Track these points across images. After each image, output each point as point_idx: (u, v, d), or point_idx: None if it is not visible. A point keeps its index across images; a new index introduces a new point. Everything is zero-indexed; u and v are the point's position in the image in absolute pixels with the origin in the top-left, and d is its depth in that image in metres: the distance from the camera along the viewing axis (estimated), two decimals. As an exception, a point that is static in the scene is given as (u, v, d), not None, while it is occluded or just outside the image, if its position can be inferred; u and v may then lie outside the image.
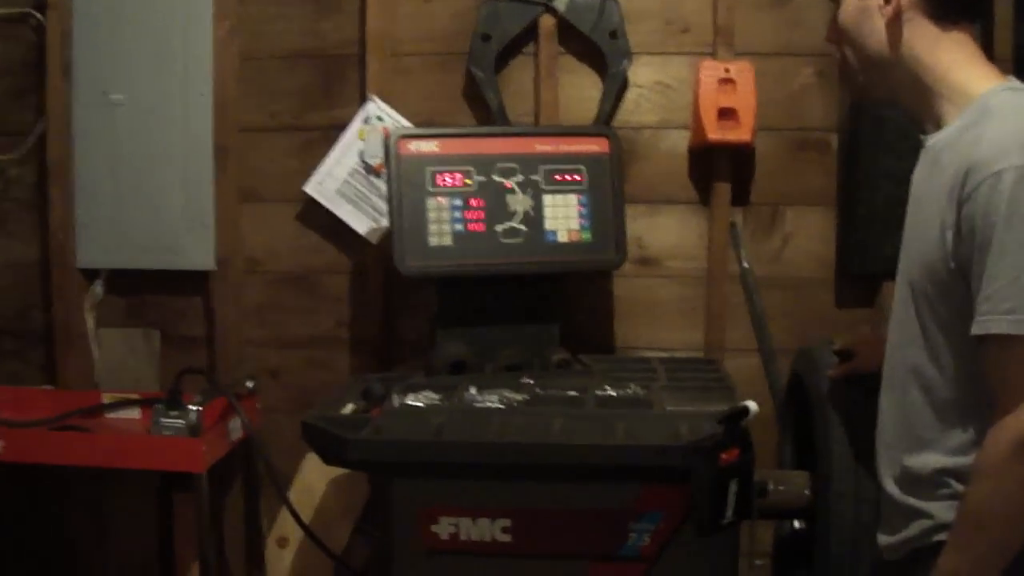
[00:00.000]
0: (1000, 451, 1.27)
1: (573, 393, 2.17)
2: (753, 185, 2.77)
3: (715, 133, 2.56)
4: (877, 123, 2.51)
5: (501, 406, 2.07)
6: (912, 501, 1.46)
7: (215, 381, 2.50)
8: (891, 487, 1.52)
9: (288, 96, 2.84)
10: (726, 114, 2.58)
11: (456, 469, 1.90)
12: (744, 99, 2.57)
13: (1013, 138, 1.28)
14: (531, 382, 2.24)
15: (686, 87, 2.73)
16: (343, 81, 2.81)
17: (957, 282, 1.34)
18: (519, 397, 2.10)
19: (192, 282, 2.85)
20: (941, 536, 1.40)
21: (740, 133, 2.56)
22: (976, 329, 1.29)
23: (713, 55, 2.69)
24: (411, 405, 2.09)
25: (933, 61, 1.43)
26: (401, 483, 1.93)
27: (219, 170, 2.77)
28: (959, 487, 1.38)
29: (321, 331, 2.89)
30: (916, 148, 1.50)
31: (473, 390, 2.15)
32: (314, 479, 2.75)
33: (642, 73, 2.74)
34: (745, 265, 2.75)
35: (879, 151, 2.52)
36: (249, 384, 2.67)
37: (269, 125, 2.84)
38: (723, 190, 2.71)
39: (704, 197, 2.77)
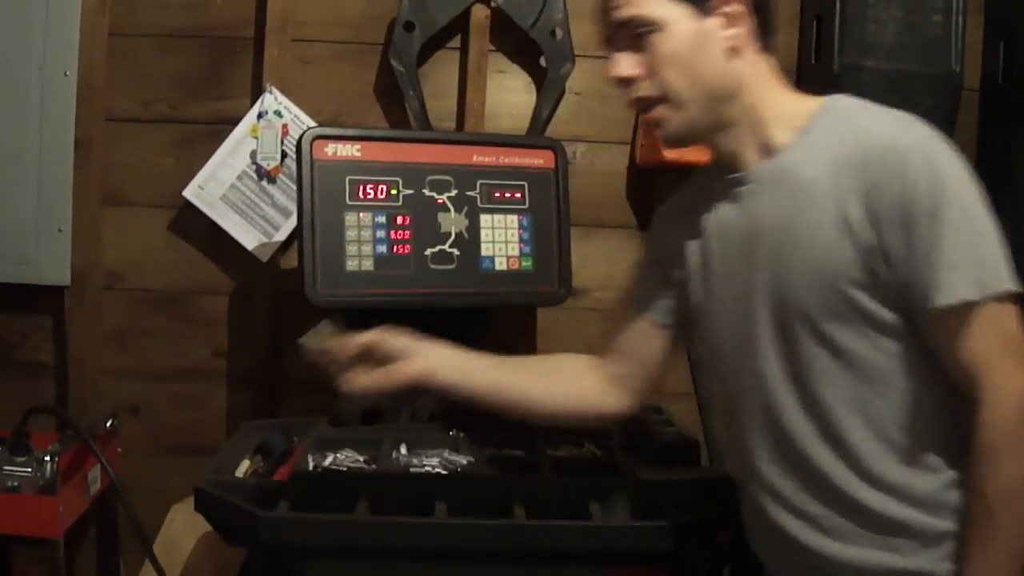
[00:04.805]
0: (1010, 420, 1.19)
1: (519, 453, 1.88)
2: (695, 211, 2.48)
3: (672, 151, 2.26)
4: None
5: (443, 471, 1.72)
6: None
7: (73, 422, 2.05)
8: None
9: (166, 82, 2.41)
10: (680, 130, 2.28)
11: (391, 552, 1.55)
12: (702, 114, 2.28)
13: (895, 122, 1.27)
14: (461, 436, 1.93)
15: (630, 97, 2.43)
16: (233, 67, 2.41)
17: (879, 280, 1.25)
18: (462, 460, 1.76)
19: (40, 298, 2.39)
20: None
21: (699, 153, 2.25)
22: (942, 299, 1.20)
23: (663, 63, 2.40)
24: (331, 469, 1.71)
25: (765, 87, 1.38)
26: (318, 565, 1.59)
27: (79, 166, 2.32)
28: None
29: (193, 361, 2.48)
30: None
31: (404, 449, 1.80)
32: (181, 534, 2.34)
33: (580, 78, 2.43)
34: (685, 300, 2.47)
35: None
36: (109, 423, 2.23)
37: (141, 116, 2.41)
38: (668, 215, 2.41)
39: (643, 222, 2.48)
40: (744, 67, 1.35)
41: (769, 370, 1.34)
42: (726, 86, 1.35)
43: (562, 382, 1.63)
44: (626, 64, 1.36)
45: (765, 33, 1.37)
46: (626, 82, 1.37)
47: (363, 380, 1.55)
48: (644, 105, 1.38)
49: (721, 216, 1.42)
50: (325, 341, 1.57)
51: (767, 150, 1.36)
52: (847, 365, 1.28)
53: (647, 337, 1.58)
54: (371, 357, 1.56)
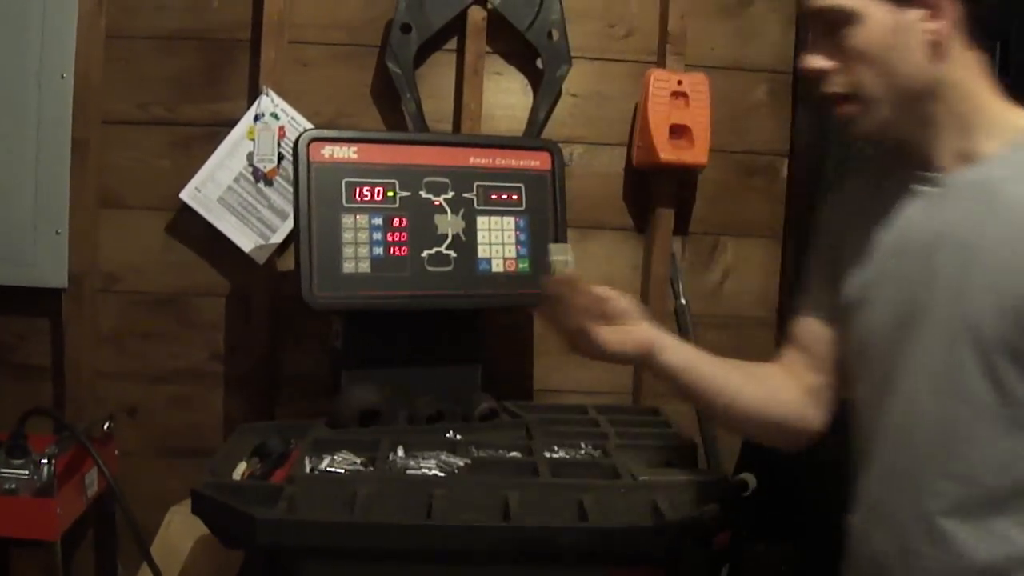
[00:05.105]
0: None
1: (517, 455, 1.87)
2: (693, 212, 2.49)
3: (667, 153, 2.27)
4: (845, 148, 2.25)
5: (440, 473, 1.71)
6: None
7: (71, 425, 2.05)
8: None
9: (162, 84, 2.40)
10: (677, 132, 2.29)
11: (387, 552, 1.55)
12: (698, 116, 2.30)
13: None
14: (459, 438, 1.92)
15: (627, 98, 2.44)
16: (230, 69, 2.40)
17: None
18: (459, 462, 1.75)
19: (37, 300, 2.38)
20: None
21: (695, 155, 2.28)
22: None
23: (659, 64, 2.40)
24: (328, 472, 1.71)
25: (974, 89, 1.24)
26: (315, 567, 1.59)
27: (76, 168, 2.31)
28: None
29: (191, 363, 2.46)
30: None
31: (401, 451, 1.80)
32: (179, 537, 2.33)
33: (577, 80, 2.43)
34: (682, 301, 2.47)
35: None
36: (106, 425, 2.21)
37: (138, 118, 2.39)
38: (666, 217, 2.42)
39: (640, 223, 2.49)
40: (949, 65, 1.23)
41: (913, 385, 1.24)
42: (924, 85, 1.23)
43: (778, 391, 1.45)
44: (817, 57, 1.27)
45: (977, 25, 1.23)
46: (818, 75, 1.27)
47: (603, 335, 1.37)
48: (836, 100, 1.28)
49: (902, 213, 1.30)
50: (566, 264, 1.47)
51: (968, 157, 1.24)
52: (1007, 410, 1.17)
53: (822, 337, 1.44)
54: (593, 312, 1.39)
